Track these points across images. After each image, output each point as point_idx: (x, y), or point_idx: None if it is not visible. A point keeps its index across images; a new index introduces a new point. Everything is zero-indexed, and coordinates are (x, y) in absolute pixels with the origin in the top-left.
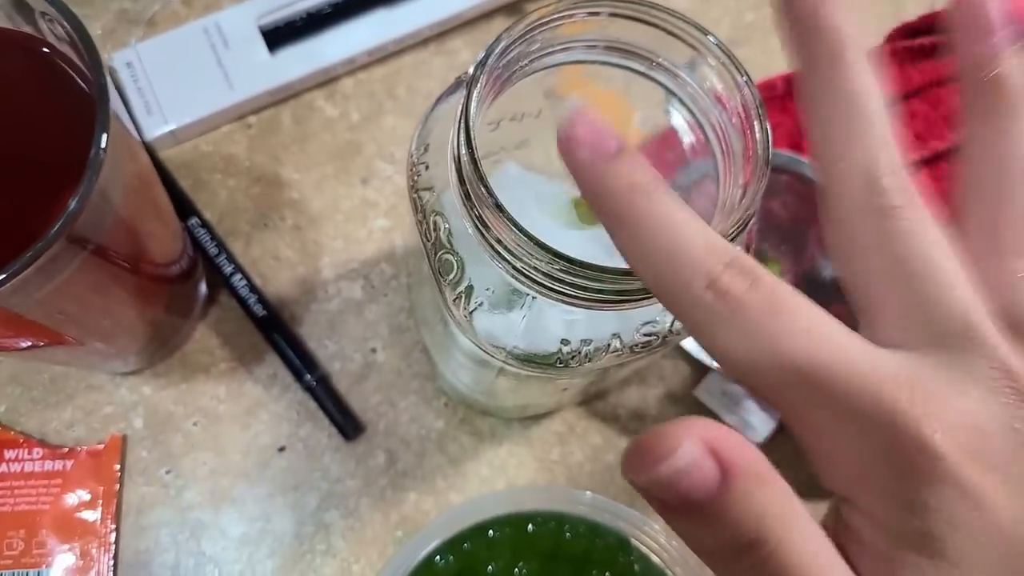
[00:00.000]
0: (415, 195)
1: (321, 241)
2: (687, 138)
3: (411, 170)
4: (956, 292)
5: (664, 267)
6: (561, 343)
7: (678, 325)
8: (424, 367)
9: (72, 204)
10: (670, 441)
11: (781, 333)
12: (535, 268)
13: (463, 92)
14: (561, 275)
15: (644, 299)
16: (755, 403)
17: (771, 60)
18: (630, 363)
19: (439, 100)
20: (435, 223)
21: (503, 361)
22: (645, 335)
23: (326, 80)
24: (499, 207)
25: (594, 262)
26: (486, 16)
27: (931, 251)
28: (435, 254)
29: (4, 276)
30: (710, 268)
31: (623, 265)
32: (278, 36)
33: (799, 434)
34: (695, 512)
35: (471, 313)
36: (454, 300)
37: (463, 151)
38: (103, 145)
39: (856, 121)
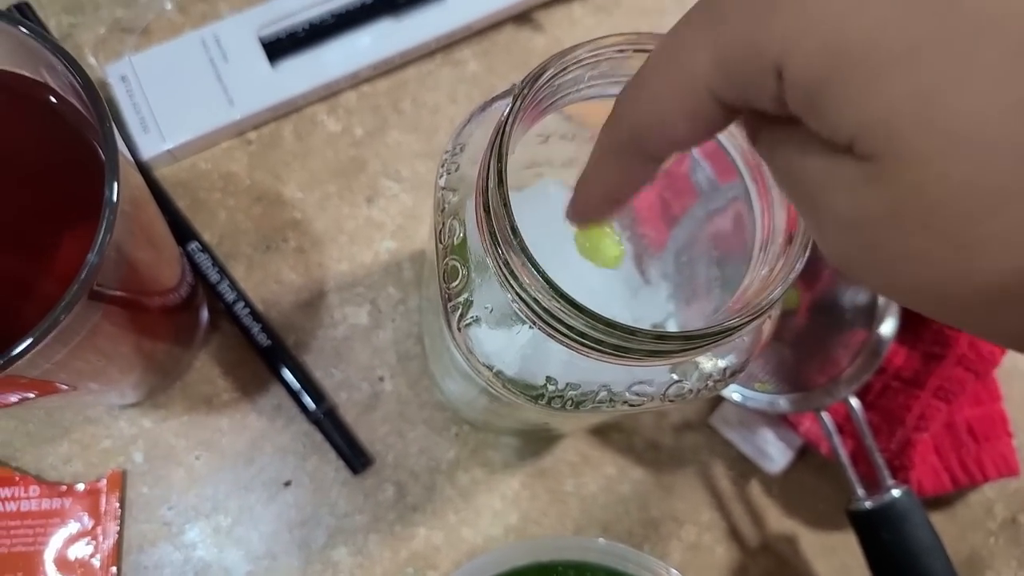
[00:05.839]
0: (440, 192)
1: (325, 264)
2: (713, 161)
3: (442, 166)
4: None
5: None
6: (547, 380)
7: (672, 391)
8: (433, 396)
9: (91, 259)
10: None
11: None
12: (554, 317)
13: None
14: (584, 328)
15: (650, 358)
16: (772, 433)
17: None
18: (622, 414)
19: (492, 101)
20: (452, 227)
21: (487, 381)
22: (636, 394)
23: (328, 94)
24: (533, 263)
25: (625, 323)
26: (495, 26)
27: None
28: (444, 258)
29: (23, 348)
30: None
31: (651, 319)
32: (279, 48)
33: None
34: None
35: (466, 326)
36: (451, 307)
37: (492, 190)
38: (115, 198)
39: None
